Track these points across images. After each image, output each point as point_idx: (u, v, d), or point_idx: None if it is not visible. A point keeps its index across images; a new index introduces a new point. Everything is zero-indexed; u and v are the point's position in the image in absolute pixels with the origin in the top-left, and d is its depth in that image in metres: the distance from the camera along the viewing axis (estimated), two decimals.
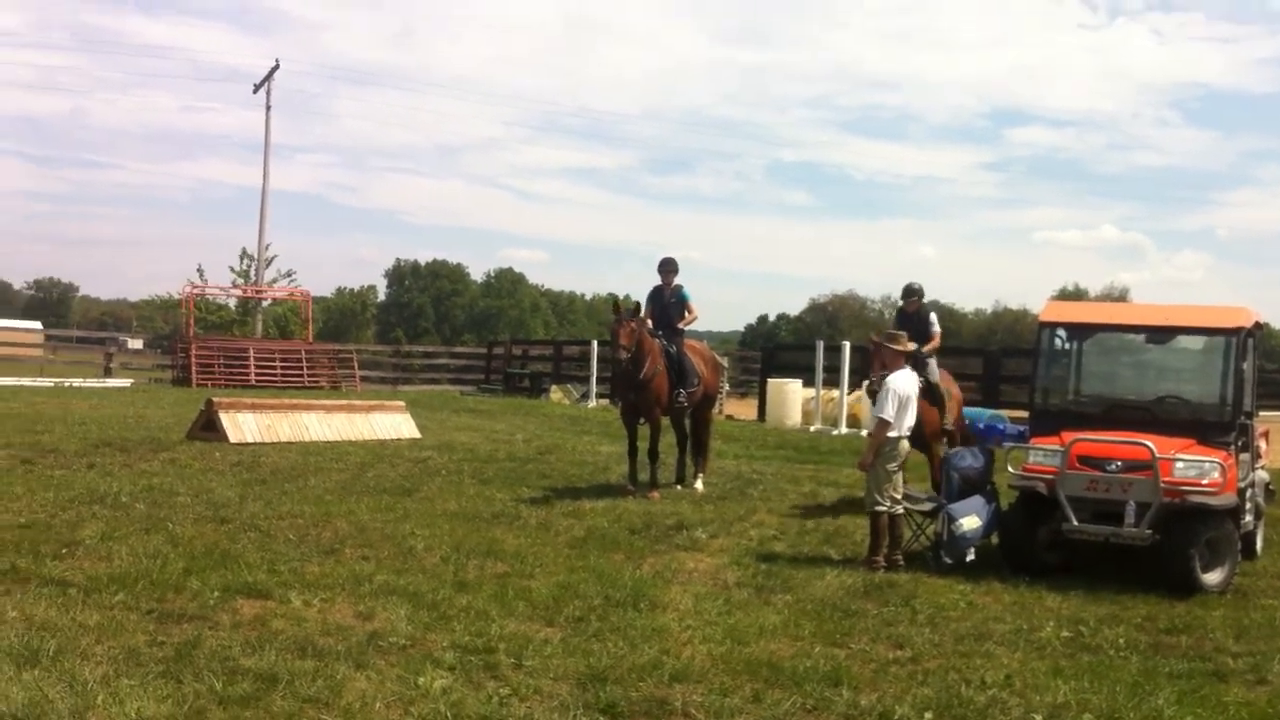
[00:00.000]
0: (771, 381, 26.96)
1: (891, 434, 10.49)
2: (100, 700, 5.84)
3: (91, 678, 6.18)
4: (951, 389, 14.69)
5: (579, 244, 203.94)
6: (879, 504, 10.39)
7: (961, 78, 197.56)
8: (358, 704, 6.09)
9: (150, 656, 6.70)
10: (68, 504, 11.45)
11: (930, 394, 13.38)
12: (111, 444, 16.00)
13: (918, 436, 13.02)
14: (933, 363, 14.17)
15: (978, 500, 10.68)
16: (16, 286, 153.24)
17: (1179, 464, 10.05)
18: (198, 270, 47.40)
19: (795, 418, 25.53)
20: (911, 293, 14.77)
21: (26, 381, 32.45)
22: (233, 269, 50.07)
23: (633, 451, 14.26)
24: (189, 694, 6.05)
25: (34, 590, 8.04)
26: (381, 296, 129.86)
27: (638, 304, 14.16)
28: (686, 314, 14.78)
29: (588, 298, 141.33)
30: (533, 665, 6.95)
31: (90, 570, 8.71)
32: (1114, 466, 10.15)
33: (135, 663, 6.55)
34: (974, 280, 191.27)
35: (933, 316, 14.68)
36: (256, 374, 35.41)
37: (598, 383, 30.52)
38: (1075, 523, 10.10)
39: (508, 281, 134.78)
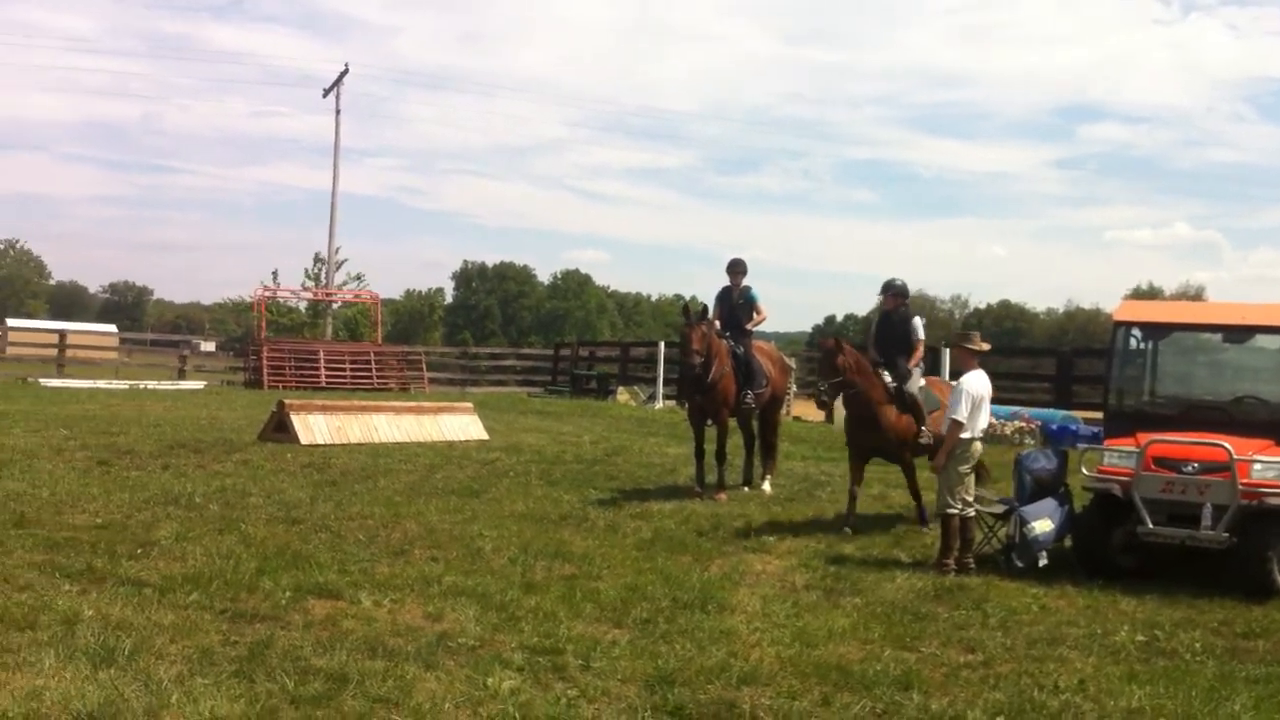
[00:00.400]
0: None
1: (964, 435, 10.38)
2: (175, 699, 5.92)
3: (166, 677, 6.27)
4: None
5: (644, 245, 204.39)
6: (950, 506, 10.29)
7: (1033, 74, 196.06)
8: (427, 704, 6.12)
9: (224, 656, 6.78)
10: (143, 505, 11.63)
11: (899, 400, 12.35)
12: (186, 445, 16.22)
13: (884, 445, 12.35)
14: (916, 373, 12.72)
15: (1050, 503, 10.54)
16: (92, 290, 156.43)
17: (1257, 465, 9.86)
18: (272, 274, 48.05)
19: None
20: (891, 289, 13.16)
21: (102, 384, 33.02)
22: (306, 271, 50.75)
23: (699, 453, 14.22)
24: (261, 693, 6.13)
25: (110, 590, 8.17)
26: (449, 299, 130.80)
27: (705, 306, 14.12)
28: (755, 315, 14.71)
29: (653, 299, 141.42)
30: (600, 667, 6.95)
31: (165, 570, 8.84)
32: (1190, 468, 9.98)
33: (209, 662, 6.64)
34: (1045, 279, 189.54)
35: (917, 322, 13.01)
36: (326, 376, 35.76)
37: (664, 384, 30.50)
38: (1150, 525, 9.94)
39: (574, 283, 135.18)
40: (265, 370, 35.15)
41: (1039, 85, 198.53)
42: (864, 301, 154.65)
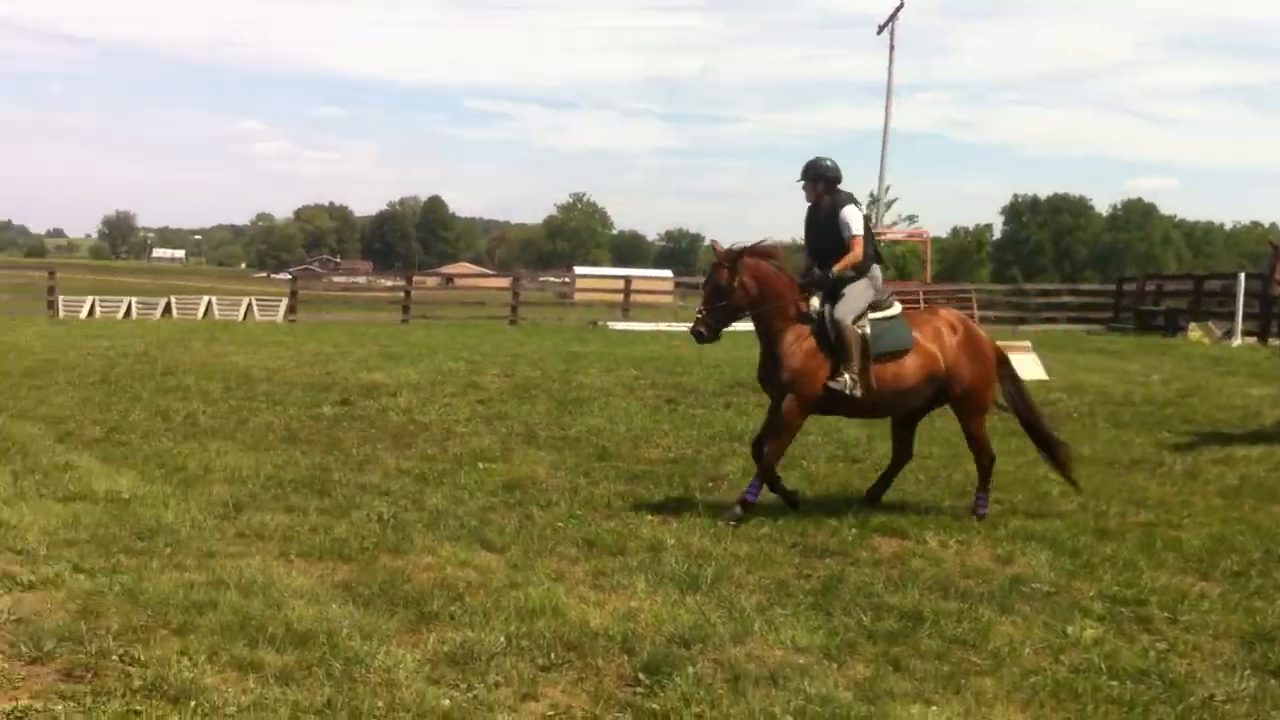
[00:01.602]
0: None
1: None
2: (757, 627, 6.13)
3: (748, 605, 6.51)
4: (944, 338, 9.09)
5: (1219, 170, 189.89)
6: None
7: None
8: (1005, 648, 5.98)
9: (799, 588, 6.97)
10: (709, 440, 12.18)
11: (820, 331, 8.88)
12: (744, 385, 16.70)
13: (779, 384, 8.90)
14: (864, 287, 9.01)
15: None
16: (650, 238, 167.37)
17: None
18: None
19: None
20: (813, 172, 9.28)
21: (663, 326, 34.95)
22: None
23: None
24: (839, 626, 6.23)
25: (688, 520, 8.59)
26: (997, 234, 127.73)
27: None
28: None
29: (1227, 228, 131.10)
30: (1189, 620, 6.52)
31: (732, 504, 9.18)
32: None
33: (785, 594, 6.84)
34: None
35: (850, 213, 9.10)
36: None
37: (1244, 319, 28.09)
38: None
39: (1136, 213, 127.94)
40: None
41: None
42: None
